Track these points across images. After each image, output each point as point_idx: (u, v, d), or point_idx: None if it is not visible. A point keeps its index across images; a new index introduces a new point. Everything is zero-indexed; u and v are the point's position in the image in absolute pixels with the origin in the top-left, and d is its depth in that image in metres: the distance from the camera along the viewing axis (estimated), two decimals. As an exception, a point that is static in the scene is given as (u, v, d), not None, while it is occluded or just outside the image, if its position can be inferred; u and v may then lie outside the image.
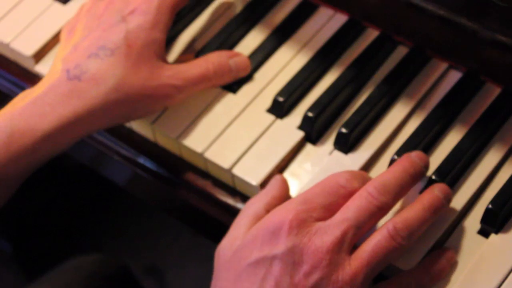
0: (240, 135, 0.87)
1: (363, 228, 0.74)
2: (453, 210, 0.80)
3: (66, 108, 0.83)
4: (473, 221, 0.80)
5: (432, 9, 0.88)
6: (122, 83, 0.84)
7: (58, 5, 1.00)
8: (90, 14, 0.89)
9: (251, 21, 0.95)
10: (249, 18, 0.95)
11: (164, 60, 0.87)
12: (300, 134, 0.87)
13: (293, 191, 0.84)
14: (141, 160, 0.92)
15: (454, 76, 0.89)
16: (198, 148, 0.87)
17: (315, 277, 0.72)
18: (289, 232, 0.73)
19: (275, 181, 0.82)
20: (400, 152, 0.83)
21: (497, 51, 0.86)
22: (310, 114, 0.86)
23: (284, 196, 0.81)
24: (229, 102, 0.90)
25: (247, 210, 0.79)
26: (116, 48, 0.85)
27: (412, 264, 0.77)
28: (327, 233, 0.73)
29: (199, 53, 0.93)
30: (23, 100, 0.84)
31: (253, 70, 0.92)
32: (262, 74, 0.92)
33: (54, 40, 0.97)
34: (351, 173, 0.78)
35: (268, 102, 0.89)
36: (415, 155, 0.79)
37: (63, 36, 0.91)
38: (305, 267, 0.72)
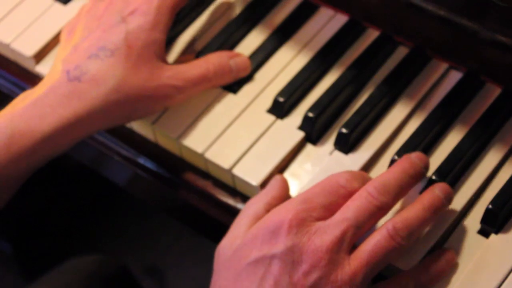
0: (240, 136, 0.87)
1: (362, 228, 0.74)
2: (453, 210, 0.80)
3: (66, 109, 0.83)
4: (473, 221, 0.80)
5: (433, 9, 0.88)
6: (122, 84, 0.84)
7: (59, 6, 1.00)
8: (90, 14, 0.89)
9: (251, 22, 0.95)
10: (249, 19, 0.95)
11: (164, 61, 0.87)
12: (301, 134, 0.87)
13: (294, 191, 0.84)
14: (142, 160, 0.92)
15: (455, 77, 0.89)
16: (199, 149, 0.87)
17: (314, 276, 0.72)
18: (288, 231, 0.73)
19: (275, 181, 0.82)
20: (400, 153, 0.83)
21: (497, 51, 0.86)
22: (310, 115, 0.86)
23: (284, 196, 0.81)
24: (230, 103, 0.90)
25: (247, 210, 0.79)
26: (116, 49, 0.85)
27: (412, 264, 0.77)
28: (327, 232, 0.73)
29: (199, 54, 0.93)
30: (23, 101, 0.84)
31: (254, 70, 0.92)
32: (263, 75, 0.92)
33: (55, 40, 0.97)
34: (351, 173, 0.78)
35: (268, 103, 0.90)
36: (415, 156, 0.79)
37: (63, 37, 0.91)
38: (304, 266, 0.72)
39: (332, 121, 0.88)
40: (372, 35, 0.93)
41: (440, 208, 0.77)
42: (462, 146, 0.83)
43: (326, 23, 0.95)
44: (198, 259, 1.42)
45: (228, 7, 0.97)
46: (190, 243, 1.46)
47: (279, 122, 0.88)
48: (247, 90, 0.91)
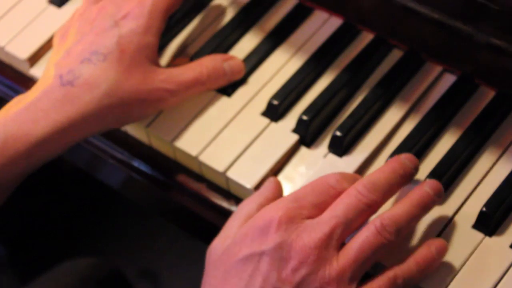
0: (234, 138, 0.87)
1: (351, 225, 0.74)
2: (447, 213, 0.80)
3: (59, 114, 0.83)
4: (464, 218, 0.80)
5: (427, 12, 0.88)
6: (115, 88, 0.84)
7: (53, 9, 1.00)
8: (82, 18, 0.89)
9: (245, 25, 0.96)
10: (243, 22, 0.95)
11: (157, 64, 0.87)
12: (295, 137, 0.87)
13: (287, 194, 0.84)
14: (136, 163, 0.92)
15: (449, 80, 0.89)
16: (193, 151, 0.87)
17: (302, 272, 0.72)
18: (278, 228, 0.73)
19: (268, 183, 0.82)
20: (394, 155, 0.83)
21: (491, 55, 0.86)
22: (304, 117, 0.86)
23: (277, 198, 0.81)
24: (224, 105, 0.90)
25: (240, 211, 0.80)
26: (108, 53, 0.85)
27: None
28: (316, 229, 0.73)
29: (193, 57, 0.93)
30: (16, 106, 0.84)
31: (248, 73, 0.92)
32: (257, 78, 0.92)
33: (49, 43, 0.97)
34: (342, 174, 0.78)
35: (262, 105, 0.90)
36: (404, 157, 0.79)
37: (56, 41, 0.91)
38: (292, 263, 0.72)
39: (326, 124, 0.88)
40: (366, 38, 0.93)
41: (430, 204, 0.77)
42: (456, 149, 0.83)
43: (321, 26, 0.95)
44: (193, 262, 1.41)
45: (222, 10, 0.97)
46: (185, 245, 1.46)
47: (273, 125, 0.88)
48: (241, 93, 0.91)
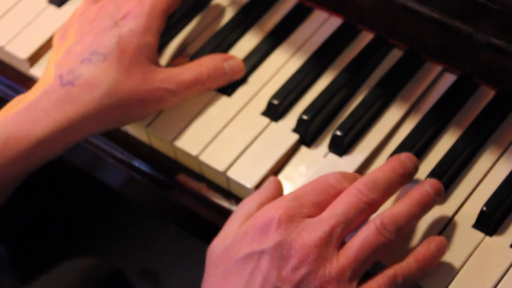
0: (234, 138, 0.87)
1: (351, 224, 0.74)
2: (447, 212, 0.80)
3: (59, 114, 0.83)
4: (464, 217, 0.80)
5: (427, 12, 0.88)
6: (115, 88, 0.84)
7: (53, 8, 1.00)
8: (82, 18, 0.89)
9: (245, 24, 0.96)
10: (243, 21, 0.95)
11: (157, 64, 0.87)
12: (295, 136, 0.87)
13: (287, 193, 0.84)
14: (136, 163, 0.92)
15: (449, 79, 0.89)
16: (193, 151, 0.87)
17: (302, 271, 0.72)
18: (278, 227, 0.73)
19: (269, 183, 0.82)
20: (394, 155, 0.83)
21: (491, 54, 0.86)
22: (304, 117, 0.87)
23: (277, 197, 0.81)
24: (224, 105, 0.90)
25: (240, 210, 0.80)
26: (108, 53, 0.85)
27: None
28: (316, 228, 0.73)
29: (193, 57, 0.93)
30: (16, 106, 0.84)
31: (248, 73, 0.92)
32: (257, 77, 0.92)
33: (49, 43, 0.97)
34: (342, 174, 0.78)
35: (262, 105, 0.90)
36: (404, 156, 0.79)
37: (55, 41, 0.91)
38: (292, 262, 0.72)
39: (326, 123, 0.88)
40: (366, 37, 0.93)
41: (430, 203, 0.77)
42: (456, 149, 0.83)
43: (320, 25, 0.95)
44: (193, 262, 1.41)
45: (221, 10, 0.97)
46: (185, 245, 1.46)
47: (274, 124, 0.88)
48: (241, 93, 0.91)
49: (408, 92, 0.89)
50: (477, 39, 0.86)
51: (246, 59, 0.93)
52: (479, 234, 0.79)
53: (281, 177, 0.85)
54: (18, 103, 0.85)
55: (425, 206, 0.76)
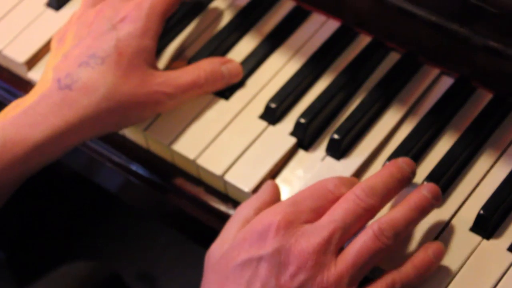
0: (232, 142, 0.87)
1: (350, 230, 0.74)
2: (444, 215, 0.80)
3: (57, 118, 0.83)
4: (461, 221, 0.80)
5: (424, 15, 0.88)
6: (113, 92, 0.84)
7: (51, 12, 1.00)
8: (80, 22, 0.89)
9: (243, 27, 0.96)
10: (241, 25, 0.95)
11: (155, 67, 0.87)
12: (292, 140, 0.87)
13: (285, 197, 0.84)
14: (134, 167, 0.92)
15: (446, 82, 0.89)
16: (190, 155, 0.87)
17: (300, 278, 0.72)
18: (276, 233, 0.73)
19: (266, 187, 0.82)
20: (392, 158, 0.83)
21: (488, 57, 0.86)
22: (302, 121, 0.87)
23: (275, 201, 0.81)
24: (222, 109, 0.90)
25: (238, 215, 0.80)
26: (106, 56, 0.85)
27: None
28: (314, 234, 0.73)
29: (191, 60, 0.93)
30: (14, 110, 0.84)
31: (246, 76, 0.92)
32: (255, 81, 0.92)
33: (47, 47, 0.97)
34: (340, 179, 0.78)
35: (260, 109, 0.90)
36: (402, 161, 0.79)
37: (53, 45, 0.91)
38: (291, 268, 0.72)
39: (324, 127, 0.88)
40: (364, 40, 0.93)
41: (428, 208, 0.77)
42: (453, 152, 0.83)
43: (318, 28, 0.95)
44: (190, 265, 1.42)
45: (219, 13, 0.97)
46: (182, 249, 1.46)
47: (271, 128, 0.88)
48: (239, 96, 0.91)
49: (405, 95, 0.89)
50: (474, 42, 0.86)
51: (244, 62, 0.93)
52: (477, 238, 0.79)
53: (279, 180, 0.85)
54: (16, 107, 0.85)
55: (423, 211, 0.76)
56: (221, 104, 0.90)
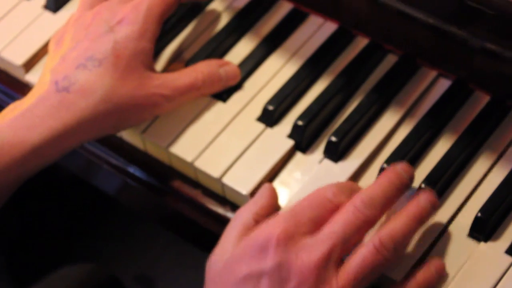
0: (230, 144, 0.87)
1: (350, 242, 0.74)
2: (442, 218, 0.80)
3: (55, 120, 0.83)
4: (460, 226, 0.80)
5: (422, 17, 0.88)
6: (110, 94, 0.84)
7: (49, 14, 1.00)
8: (78, 24, 0.89)
9: (241, 30, 0.96)
10: (239, 27, 0.95)
11: (153, 70, 0.87)
12: (290, 142, 0.87)
13: (283, 200, 0.84)
14: (131, 169, 0.92)
15: (444, 84, 0.89)
16: (188, 157, 0.87)
17: None
18: (276, 247, 0.73)
19: (263, 190, 0.82)
20: (390, 161, 0.83)
21: (486, 59, 0.86)
22: (300, 123, 0.87)
23: (273, 205, 0.81)
24: (219, 111, 0.90)
25: (236, 221, 0.79)
26: (104, 58, 0.85)
27: (402, 273, 0.77)
28: (314, 248, 0.73)
29: (188, 62, 0.93)
30: (12, 112, 0.84)
31: (243, 78, 0.92)
32: (252, 83, 0.92)
33: (45, 49, 0.97)
34: (339, 186, 0.77)
35: (258, 111, 0.90)
36: (400, 167, 0.78)
37: (51, 47, 0.91)
38: (292, 284, 0.72)
39: (322, 129, 0.88)
40: (361, 43, 0.93)
41: (426, 217, 0.76)
42: (451, 154, 0.83)
43: (316, 31, 0.95)
44: (188, 268, 1.42)
45: (217, 15, 0.97)
46: (180, 251, 1.46)
47: (269, 130, 0.88)
48: (237, 99, 0.91)
49: (403, 98, 0.89)
50: (472, 44, 0.86)
51: (242, 64, 0.93)
52: (474, 240, 0.79)
53: (276, 183, 0.85)
54: (14, 110, 0.85)
55: (421, 220, 0.76)
56: (219, 106, 0.90)
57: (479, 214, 0.78)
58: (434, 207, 0.77)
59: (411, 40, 0.90)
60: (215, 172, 0.86)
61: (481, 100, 0.87)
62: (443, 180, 0.82)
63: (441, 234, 0.80)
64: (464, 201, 0.82)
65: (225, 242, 0.77)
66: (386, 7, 0.90)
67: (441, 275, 0.77)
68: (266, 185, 0.83)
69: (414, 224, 0.75)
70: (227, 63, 0.91)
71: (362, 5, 0.92)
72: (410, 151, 0.84)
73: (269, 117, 0.88)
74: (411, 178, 0.79)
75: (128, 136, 0.91)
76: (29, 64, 0.96)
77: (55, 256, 1.47)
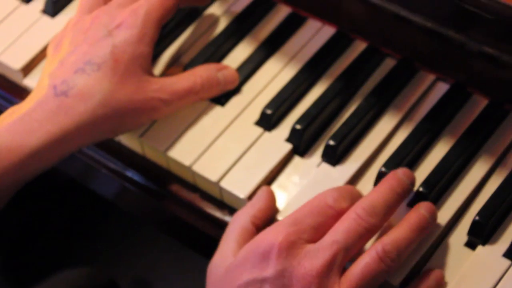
0: (228, 148, 0.87)
1: (352, 250, 0.74)
2: (440, 222, 0.80)
3: (54, 125, 0.83)
4: (460, 233, 0.80)
5: (420, 21, 0.88)
6: (109, 98, 0.84)
7: (47, 18, 1.00)
8: (76, 28, 0.89)
9: (239, 34, 0.96)
10: (237, 31, 0.96)
11: (151, 74, 0.87)
12: (288, 146, 0.87)
13: (281, 204, 0.84)
14: (129, 173, 0.92)
15: (442, 88, 0.89)
16: (186, 161, 0.87)
17: None
18: (278, 255, 0.73)
19: (261, 193, 0.82)
20: (388, 164, 0.83)
21: (484, 63, 0.86)
22: (298, 127, 0.87)
23: (270, 208, 0.81)
24: (217, 115, 0.90)
25: (234, 224, 0.79)
26: (102, 62, 0.85)
27: (400, 278, 0.77)
28: (317, 256, 0.73)
29: (187, 66, 0.93)
30: (10, 116, 0.84)
31: (241, 82, 0.92)
32: (250, 87, 0.92)
33: (43, 53, 0.97)
34: (339, 191, 0.77)
35: (256, 115, 0.90)
36: (401, 173, 0.78)
37: (49, 51, 0.91)
38: None
39: (320, 133, 0.88)
40: (359, 46, 0.93)
41: (426, 227, 0.77)
42: (449, 158, 0.83)
43: (314, 35, 0.95)
44: (186, 271, 1.41)
45: (215, 20, 0.97)
46: (178, 255, 1.46)
47: (267, 134, 0.88)
48: (235, 103, 0.91)
49: (401, 101, 0.89)
50: (470, 48, 0.86)
51: (240, 68, 0.93)
52: (472, 244, 0.79)
53: (275, 186, 0.85)
54: (12, 114, 0.85)
55: (422, 231, 0.76)
56: (217, 110, 0.90)
57: (477, 218, 0.78)
58: (434, 218, 0.78)
59: (409, 44, 0.91)
60: (213, 176, 0.86)
61: (479, 103, 0.87)
62: (441, 184, 0.82)
63: (440, 237, 0.80)
64: (464, 207, 0.82)
65: (225, 246, 0.77)
66: (384, 11, 0.90)
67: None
68: (263, 188, 0.83)
69: (415, 234, 0.75)
70: (225, 67, 0.91)
71: (360, 9, 0.92)
72: (408, 155, 0.84)
73: (267, 121, 0.88)
74: (413, 183, 0.79)
75: (126, 140, 0.91)
76: (27, 69, 0.96)
77: (53, 260, 1.47)
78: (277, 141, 0.87)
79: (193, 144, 0.88)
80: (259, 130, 0.89)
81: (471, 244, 0.79)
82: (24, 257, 1.49)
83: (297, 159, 0.87)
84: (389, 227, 0.77)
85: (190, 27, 0.97)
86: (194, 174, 0.87)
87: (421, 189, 0.81)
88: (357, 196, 0.79)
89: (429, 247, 0.79)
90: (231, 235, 0.78)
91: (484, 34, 0.84)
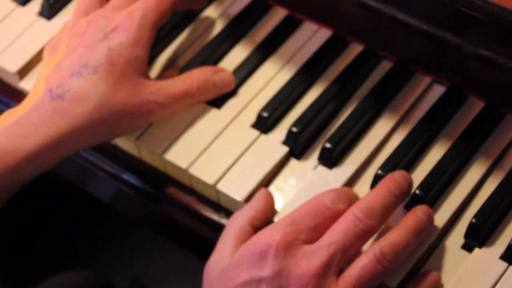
0: (224, 151, 0.87)
1: (349, 251, 0.74)
2: (437, 224, 0.80)
3: (50, 128, 0.83)
4: (456, 235, 0.80)
5: (416, 24, 0.88)
6: (105, 101, 0.84)
7: (43, 21, 1.00)
8: (72, 31, 0.89)
9: (235, 36, 0.96)
10: (233, 33, 0.96)
11: (147, 77, 0.87)
12: (285, 149, 0.87)
13: (278, 206, 0.84)
14: (126, 176, 0.92)
15: (438, 91, 0.89)
16: (183, 164, 0.87)
17: None
18: (276, 255, 0.73)
19: (259, 195, 0.82)
20: (384, 167, 0.83)
21: (480, 65, 0.86)
22: (294, 129, 0.87)
23: (268, 209, 0.81)
24: (214, 118, 0.90)
25: (232, 225, 0.79)
26: (98, 66, 0.85)
27: (397, 280, 0.77)
28: (314, 256, 0.73)
29: (183, 69, 0.93)
30: (6, 120, 0.84)
31: (238, 85, 0.92)
32: (247, 90, 0.92)
33: (39, 56, 0.97)
34: (336, 193, 0.77)
35: (252, 118, 0.90)
36: (399, 176, 0.79)
37: (45, 54, 0.91)
38: None
39: (316, 135, 0.88)
40: (355, 49, 0.93)
41: (423, 230, 0.77)
42: (445, 160, 0.84)
43: (310, 37, 0.95)
44: (184, 273, 1.41)
45: (211, 22, 0.97)
46: (175, 257, 1.46)
47: (263, 137, 0.88)
48: (231, 105, 0.91)
49: (397, 104, 0.89)
50: (466, 51, 0.86)
51: (236, 71, 0.93)
52: (469, 246, 0.79)
53: (271, 189, 0.85)
54: (8, 117, 0.85)
55: (419, 234, 0.76)
56: (213, 113, 0.90)
57: (474, 220, 0.79)
58: (431, 221, 0.78)
59: (405, 47, 0.91)
60: (209, 179, 0.86)
61: (476, 106, 0.88)
62: (437, 187, 0.82)
63: (437, 241, 0.80)
64: (461, 209, 0.82)
65: (222, 247, 0.78)
66: (380, 13, 0.90)
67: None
68: (262, 190, 0.83)
69: (413, 237, 0.76)
70: (222, 70, 0.91)
71: (356, 11, 0.92)
72: (405, 157, 0.84)
73: (264, 124, 0.88)
74: (410, 186, 0.79)
75: (123, 143, 0.91)
76: (24, 71, 0.96)
77: (50, 262, 1.47)
78: (274, 144, 0.87)
79: (189, 147, 0.88)
80: (255, 132, 0.89)
81: (467, 247, 0.79)
82: (22, 260, 1.49)
83: (293, 162, 0.87)
84: (387, 230, 0.77)
85: (186, 29, 0.97)
86: (191, 177, 0.87)
87: (417, 191, 0.81)
88: (354, 198, 0.79)
89: (426, 250, 0.79)
90: (229, 236, 0.78)
91: (480, 37, 0.84)
